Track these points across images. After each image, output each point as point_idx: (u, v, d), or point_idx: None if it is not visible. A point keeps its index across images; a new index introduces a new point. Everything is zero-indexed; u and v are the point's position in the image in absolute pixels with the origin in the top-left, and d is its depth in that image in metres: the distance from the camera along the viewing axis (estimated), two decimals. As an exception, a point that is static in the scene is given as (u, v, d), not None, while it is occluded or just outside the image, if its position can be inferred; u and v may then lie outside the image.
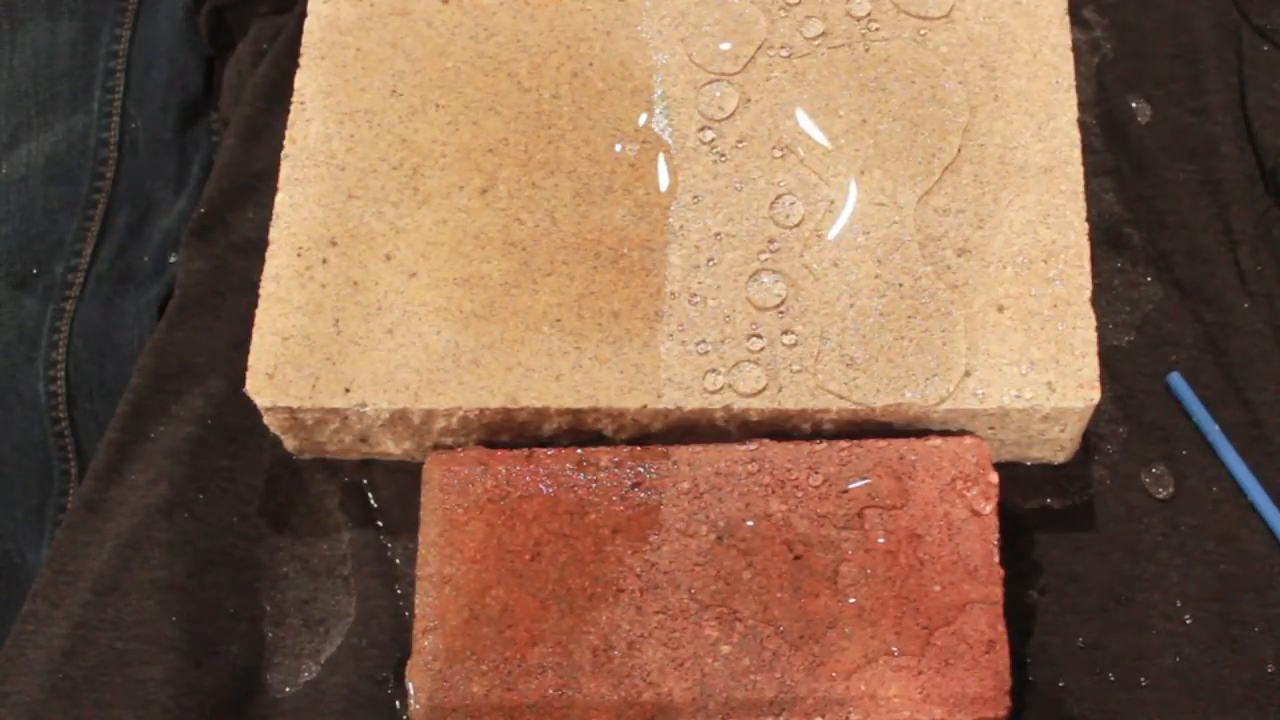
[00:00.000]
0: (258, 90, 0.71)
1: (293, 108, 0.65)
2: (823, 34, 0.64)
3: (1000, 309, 0.59)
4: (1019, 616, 0.58)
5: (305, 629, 0.61)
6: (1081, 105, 0.64)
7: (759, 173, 0.62)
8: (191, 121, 0.76)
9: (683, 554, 0.57)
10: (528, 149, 0.63)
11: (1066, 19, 0.64)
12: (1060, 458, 0.61)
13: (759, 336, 0.60)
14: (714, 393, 0.59)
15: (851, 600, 0.56)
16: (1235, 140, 0.67)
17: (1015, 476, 0.61)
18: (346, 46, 0.66)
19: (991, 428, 0.59)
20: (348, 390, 0.59)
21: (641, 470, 0.58)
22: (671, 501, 0.58)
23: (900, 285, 0.60)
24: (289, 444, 0.63)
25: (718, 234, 0.61)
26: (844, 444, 0.58)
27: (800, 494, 0.58)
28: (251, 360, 0.60)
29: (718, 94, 0.64)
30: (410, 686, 0.56)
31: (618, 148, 0.63)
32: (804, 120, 0.63)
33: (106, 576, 0.60)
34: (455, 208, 0.62)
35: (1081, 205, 0.61)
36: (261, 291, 0.61)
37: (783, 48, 0.64)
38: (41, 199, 0.72)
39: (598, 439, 0.60)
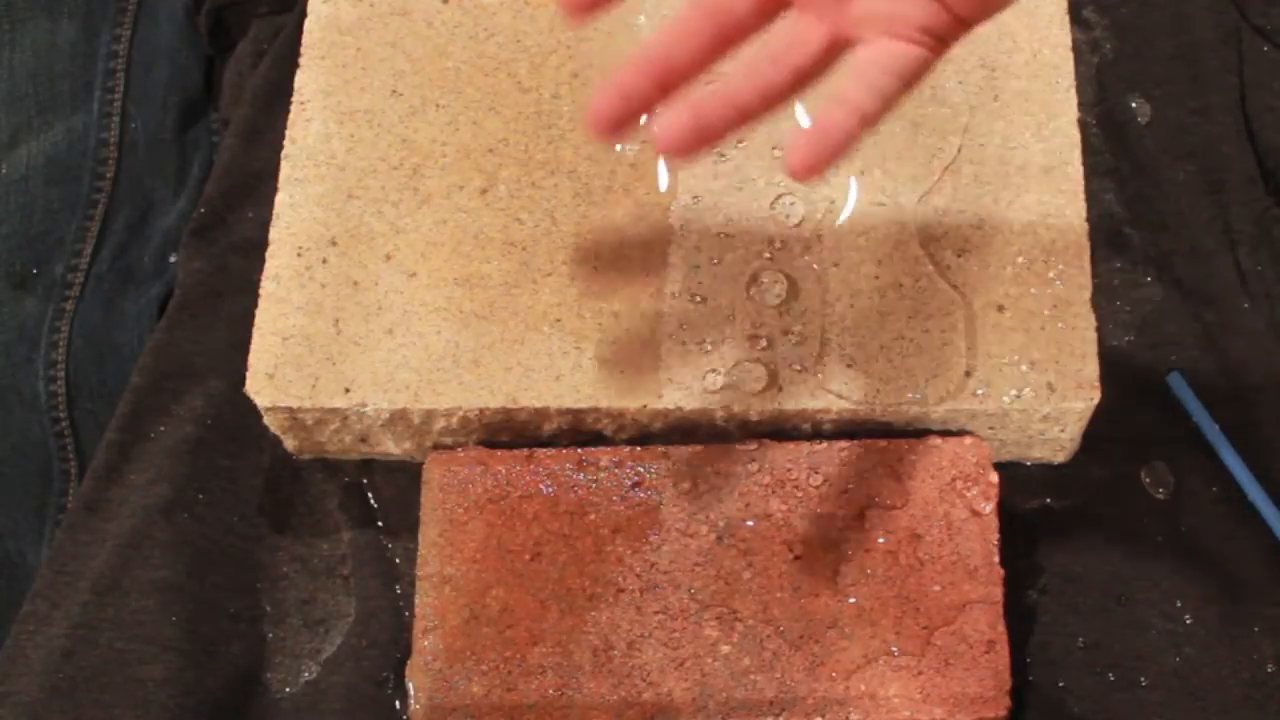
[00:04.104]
0: (258, 90, 0.71)
1: (293, 108, 0.65)
2: (823, 34, 0.64)
3: (1000, 309, 0.59)
4: (1019, 616, 0.58)
5: (305, 629, 0.60)
6: (1081, 105, 0.64)
7: (759, 173, 0.62)
8: (191, 121, 0.76)
9: (683, 554, 0.57)
10: (528, 149, 0.63)
11: (1066, 19, 0.64)
12: (1060, 458, 0.61)
13: (759, 336, 0.60)
14: (714, 393, 0.59)
15: (851, 600, 0.56)
16: (1235, 140, 0.67)
17: (1015, 476, 0.61)
18: (346, 46, 0.66)
19: (991, 428, 0.59)
20: (348, 390, 0.59)
21: (641, 470, 0.58)
22: (671, 501, 0.58)
23: (900, 285, 0.60)
24: (289, 444, 0.63)
25: (718, 234, 0.61)
26: (844, 444, 0.58)
27: (800, 494, 0.58)
28: (251, 360, 0.60)
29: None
30: (410, 686, 0.56)
31: (618, 148, 0.63)
32: (804, 120, 0.63)
33: (106, 576, 0.60)
34: (455, 208, 0.62)
35: (1081, 205, 0.61)
36: (261, 291, 0.61)
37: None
38: (41, 199, 0.72)
39: (598, 439, 0.60)
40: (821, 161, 0.45)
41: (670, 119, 0.46)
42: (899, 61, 0.45)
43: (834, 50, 0.46)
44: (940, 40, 0.45)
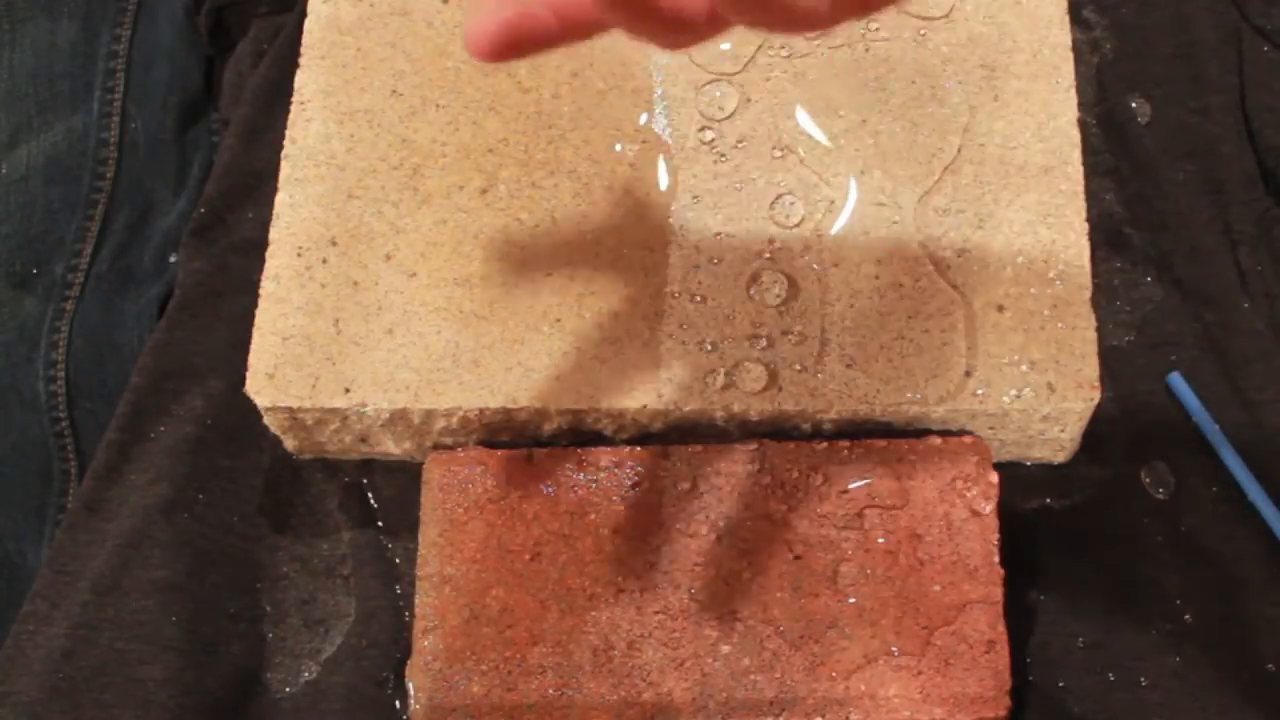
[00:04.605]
0: (258, 90, 0.71)
1: (293, 108, 0.65)
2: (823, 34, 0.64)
3: (1000, 309, 0.59)
4: (1019, 616, 0.58)
5: (305, 629, 0.61)
6: (1081, 105, 0.64)
7: (759, 173, 0.62)
8: (191, 121, 0.76)
9: (683, 554, 0.57)
10: (528, 149, 0.63)
11: (1066, 19, 0.64)
12: (1060, 458, 0.61)
13: (759, 336, 0.60)
14: (714, 392, 0.59)
15: (851, 600, 0.56)
16: (1235, 140, 0.67)
17: (1015, 476, 0.61)
18: (346, 46, 0.66)
19: (991, 428, 0.59)
20: (348, 390, 0.59)
21: (641, 470, 0.58)
22: (671, 501, 0.58)
23: (900, 285, 0.60)
24: (289, 444, 0.63)
25: (718, 234, 0.61)
26: (844, 444, 0.58)
27: (800, 494, 0.58)
28: (251, 360, 0.60)
29: (718, 94, 0.64)
30: (410, 686, 0.56)
31: (618, 148, 0.63)
32: (804, 120, 0.63)
33: (106, 576, 0.60)
34: (455, 208, 0.62)
35: (1081, 205, 0.61)
36: (261, 291, 0.61)
37: (782, 47, 0.64)
38: (41, 199, 0.72)
39: (598, 439, 0.60)
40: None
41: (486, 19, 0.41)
42: None
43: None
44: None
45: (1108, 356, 0.62)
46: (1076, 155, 0.62)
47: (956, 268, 0.60)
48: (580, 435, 0.60)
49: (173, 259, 0.72)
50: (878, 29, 0.64)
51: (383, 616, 0.60)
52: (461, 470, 0.59)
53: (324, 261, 0.61)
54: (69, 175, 0.73)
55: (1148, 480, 0.61)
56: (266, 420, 0.61)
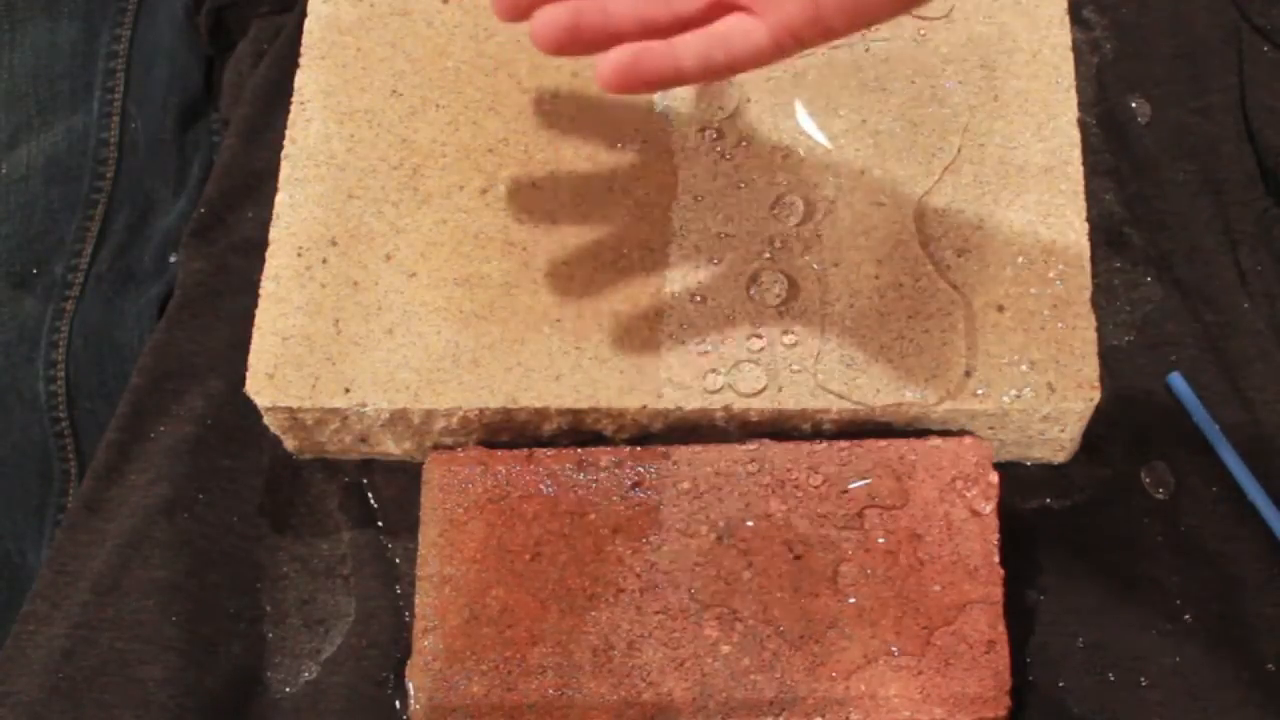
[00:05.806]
0: (258, 90, 0.71)
1: (293, 108, 0.65)
2: (823, 34, 0.64)
3: (1000, 309, 0.59)
4: (1019, 616, 0.58)
5: (305, 629, 0.61)
6: (1081, 105, 0.64)
7: (759, 173, 0.62)
8: (191, 121, 0.76)
9: (683, 554, 0.57)
10: (528, 149, 0.63)
11: (1066, 19, 0.65)
12: (1060, 458, 0.61)
13: (759, 336, 0.60)
14: (714, 393, 0.59)
15: (851, 600, 0.56)
16: (1235, 140, 0.67)
17: (1015, 476, 0.61)
18: (346, 46, 0.66)
19: (991, 428, 0.59)
20: (348, 390, 0.59)
21: (641, 470, 0.58)
22: (671, 501, 0.58)
23: (900, 285, 0.60)
24: (289, 444, 0.63)
25: (718, 234, 0.61)
26: (844, 444, 0.58)
27: (800, 494, 0.58)
28: (251, 360, 0.60)
29: (718, 94, 0.64)
30: (410, 686, 0.56)
31: (618, 148, 0.63)
32: (804, 120, 0.63)
33: (106, 576, 0.60)
34: (455, 208, 0.62)
35: (1081, 205, 0.61)
36: (261, 291, 0.61)
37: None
38: (41, 199, 0.72)
39: (598, 439, 0.60)
40: (632, 82, 0.50)
41: (551, 15, 0.51)
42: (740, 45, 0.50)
43: (716, 10, 0.50)
44: (798, 43, 0.50)
45: (1108, 356, 0.62)
46: (1076, 155, 0.62)
47: (956, 268, 0.60)
48: (580, 435, 0.60)
49: (173, 259, 0.72)
50: (878, 29, 0.64)
51: (383, 616, 0.60)
52: (461, 470, 0.59)
53: (324, 261, 0.61)
54: (69, 175, 0.73)
55: (1148, 480, 0.61)
56: (266, 420, 0.61)
